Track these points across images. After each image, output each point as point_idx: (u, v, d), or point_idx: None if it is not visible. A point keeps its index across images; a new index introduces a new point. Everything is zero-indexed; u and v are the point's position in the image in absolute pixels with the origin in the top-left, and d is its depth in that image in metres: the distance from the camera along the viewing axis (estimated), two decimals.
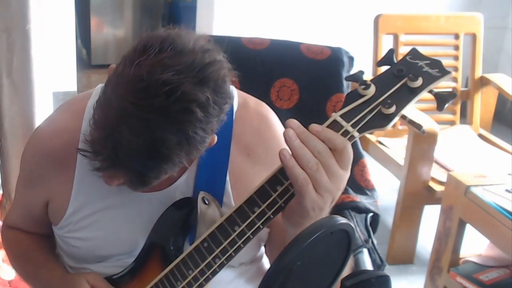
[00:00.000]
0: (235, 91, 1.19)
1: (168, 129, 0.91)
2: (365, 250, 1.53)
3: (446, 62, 3.09)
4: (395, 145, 2.87)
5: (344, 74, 1.70)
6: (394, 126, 2.98)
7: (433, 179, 2.58)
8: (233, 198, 1.18)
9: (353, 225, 1.01)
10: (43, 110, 2.23)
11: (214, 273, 1.05)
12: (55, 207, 1.21)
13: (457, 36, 3.03)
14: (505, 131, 3.63)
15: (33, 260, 1.28)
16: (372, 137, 2.95)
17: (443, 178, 2.45)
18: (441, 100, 0.96)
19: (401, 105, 0.96)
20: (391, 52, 1.00)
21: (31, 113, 2.19)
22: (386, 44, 2.92)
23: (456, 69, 3.05)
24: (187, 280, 1.07)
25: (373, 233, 1.62)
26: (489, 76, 3.07)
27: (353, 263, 1.52)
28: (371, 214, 1.64)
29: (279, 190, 0.99)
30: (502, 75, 3.11)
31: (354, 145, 1.70)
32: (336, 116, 0.98)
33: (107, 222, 1.18)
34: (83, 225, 1.19)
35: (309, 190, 0.95)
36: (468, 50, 3.05)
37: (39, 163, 1.20)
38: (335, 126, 0.98)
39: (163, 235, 1.15)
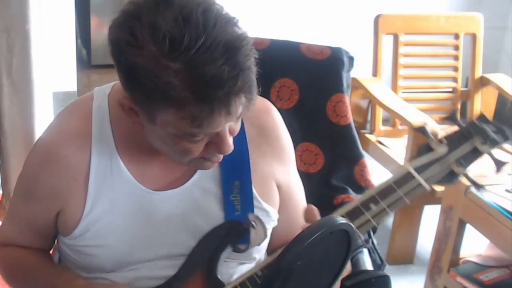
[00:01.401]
0: None
1: (217, 31, 0.95)
2: (365, 250, 1.53)
3: (446, 62, 3.12)
4: (395, 145, 2.87)
5: (344, 74, 1.70)
6: (394, 126, 2.99)
7: None
8: (254, 189, 1.19)
9: (353, 225, 1.01)
10: (43, 110, 2.23)
11: None
12: (68, 216, 1.16)
13: (457, 36, 3.03)
14: None
15: (45, 273, 1.22)
16: (372, 137, 2.95)
17: None
18: (499, 164, 1.12)
19: (468, 164, 1.07)
20: (455, 111, 1.11)
21: (31, 113, 2.19)
22: (386, 44, 2.92)
23: (456, 69, 3.05)
24: None
25: (373, 233, 1.62)
26: (489, 76, 3.07)
27: (350, 265, 1.52)
28: None
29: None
30: (502, 75, 3.11)
31: (354, 145, 1.70)
32: (409, 167, 1.06)
33: (125, 226, 1.15)
34: (100, 232, 1.14)
35: None
36: (468, 50, 3.05)
37: (50, 172, 1.14)
38: (408, 178, 1.06)
39: (207, 256, 1.13)
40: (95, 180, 1.13)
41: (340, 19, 3.62)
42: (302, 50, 1.70)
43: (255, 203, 1.18)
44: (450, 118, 1.12)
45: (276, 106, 1.66)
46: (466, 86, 3.17)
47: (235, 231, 1.13)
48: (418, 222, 2.65)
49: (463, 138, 1.09)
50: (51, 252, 1.31)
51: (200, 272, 1.13)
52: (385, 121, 3.01)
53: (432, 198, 2.54)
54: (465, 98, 3.11)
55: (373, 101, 2.89)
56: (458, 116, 1.14)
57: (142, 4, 0.97)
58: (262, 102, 1.24)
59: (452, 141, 1.08)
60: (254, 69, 0.99)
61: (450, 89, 3.08)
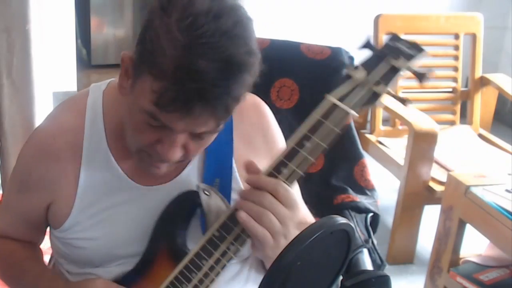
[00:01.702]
0: None
1: (232, 44, 0.96)
2: (365, 250, 1.53)
3: (446, 62, 3.12)
4: (395, 145, 2.87)
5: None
6: (394, 126, 2.99)
7: (433, 179, 2.58)
8: (242, 185, 1.20)
9: (353, 225, 1.01)
10: (43, 110, 2.23)
11: (229, 259, 1.06)
12: (58, 209, 1.18)
13: (457, 36, 3.03)
14: (505, 131, 3.63)
15: (30, 271, 1.25)
16: (372, 137, 2.95)
17: (443, 178, 2.45)
18: (420, 75, 1.14)
19: (387, 82, 1.08)
20: (368, 38, 1.13)
21: (31, 113, 2.19)
22: None
23: (456, 69, 3.05)
24: (202, 271, 1.07)
25: (373, 233, 1.62)
26: (489, 76, 3.07)
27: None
28: (371, 214, 1.64)
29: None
30: (502, 75, 3.11)
31: (354, 145, 1.71)
32: (333, 99, 1.06)
33: (114, 220, 1.17)
34: (90, 224, 1.17)
35: (268, 240, 1.03)
36: (468, 50, 3.05)
37: (41, 164, 1.17)
38: (333, 109, 1.05)
39: (168, 230, 1.15)
40: (85, 173, 1.16)
41: (340, 19, 3.62)
42: (302, 50, 1.70)
43: None
44: (365, 46, 1.12)
45: (276, 106, 1.66)
46: (466, 86, 3.17)
47: (187, 200, 1.15)
48: (418, 222, 2.65)
49: (378, 60, 1.10)
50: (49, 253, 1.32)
51: (165, 248, 1.14)
52: (385, 121, 3.01)
53: (432, 198, 2.55)
54: (465, 98, 3.11)
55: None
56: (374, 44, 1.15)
57: None
58: (252, 99, 1.25)
59: (369, 65, 1.09)
60: (240, 98, 1.02)
61: (450, 89, 3.08)
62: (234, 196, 1.17)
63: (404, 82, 3.00)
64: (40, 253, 1.32)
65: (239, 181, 1.20)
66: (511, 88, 2.97)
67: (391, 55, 1.10)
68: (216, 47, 0.95)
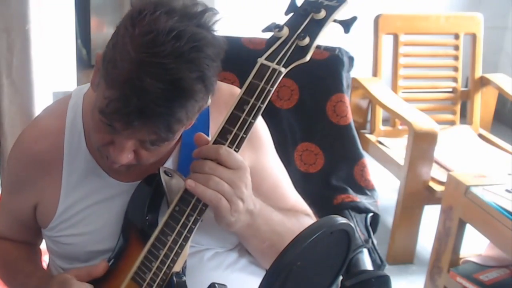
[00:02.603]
0: None
1: (185, 68, 0.98)
2: (365, 250, 1.53)
3: (446, 62, 3.12)
4: (395, 145, 2.87)
5: (344, 74, 1.70)
6: (394, 126, 2.99)
7: (433, 179, 2.58)
8: None
9: (353, 225, 1.01)
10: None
11: (191, 230, 1.08)
12: (44, 209, 1.23)
13: (457, 36, 3.03)
14: (505, 131, 3.63)
15: (22, 270, 1.29)
16: (372, 137, 2.95)
17: (443, 178, 2.45)
18: (345, 24, 1.20)
19: (313, 35, 1.12)
20: (293, 0, 1.17)
21: (31, 113, 2.19)
22: (386, 44, 2.92)
23: (456, 69, 3.05)
24: (167, 246, 1.09)
25: (373, 233, 1.62)
26: (489, 76, 3.07)
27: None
28: (371, 214, 1.64)
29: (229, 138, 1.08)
30: (502, 75, 3.11)
31: (354, 145, 1.70)
32: (261, 60, 1.11)
33: (98, 216, 1.20)
34: (74, 221, 1.21)
35: (223, 203, 1.05)
36: (468, 50, 3.05)
37: (26, 166, 1.22)
38: (263, 69, 1.10)
39: (136, 214, 1.18)
40: (68, 174, 1.20)
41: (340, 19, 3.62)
42: None
43: None
44: (289, 9, 1.16)
45: (276, 106, 1.66)
46: (466, 86, 3.17)
47: (151, 183, 1.17)
48: (418, 222, 2.65)
49: (300, 16, 1.14)
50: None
51: (135, 234, 1.17)
52: (385, 121, 3.01)
53: (432, 198, 2.55)
54: (465, 98, 3.11)
55: (373, 101, 2.90)
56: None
57: (175, 2, 1.02)
58: (229, 89, 1.28)
59: (292, 23, 1.14)
60: (183, 123, 1.04)
61: (450, 89, 3.08)
62: None
63: (404, 82, 3.00)
64: (36, 253, 1.37)
65: None
66: (511, 88, 2.97)
67: (313, 10, 1.13)
68: (167, 68, 0.97)
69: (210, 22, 1.04)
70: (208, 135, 1.21)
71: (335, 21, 1.15)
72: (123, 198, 1.20)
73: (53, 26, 2.55)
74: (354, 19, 1.16)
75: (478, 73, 3.07)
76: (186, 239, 1.09)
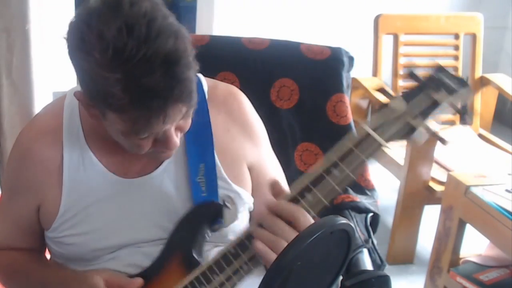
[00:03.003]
0: (202, 77, 1.27)
1: (156, 44, 0.97)
2: (365, 250, 1.53)
3: (446, 62, 3.11)
4: (395, 145, 2.85)
5: (344, 74, 1.70)
6: None
7: (433, 179, 2.58)
8: (224, 172, 1.22)
9: (353, 225, 1.01)
10: None
11: (240, 277, 1.05)
12: (47, 209, 1.22)
13: (457, 36, 3.03)
14: (505, 131, 3.63)
15: (33, 271, 1.26)
16: None
17: (443, 178, 2.44)
18: (461, 112, 1.07)
19: (425, 116, 1.03)
20: (413, 67, 1.06)
21: (31, 113, 2.19)
22: (386, 44, 2.92)
23: (456, 69, 3.05)
24: (211, 285, 1.07)
25: (373, 233, 1.62)
26: (489, 76, 3.07)
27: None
28: (371, 214, 1.64)
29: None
30: (502, 75, 3.11)
31: None
32: (366, 127, 1.03)
33: (101, 214, 1.20)
34: (77, 220, 1.20)
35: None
36: (468, 50, 3.05)
37: (26, 167, 1.21)
38: (367, 138, 1.02)
39: (185, 238, 1.15)
40: (68, 172, 1.19)
41: (340, 19, 3.62)
42: (302, 50, 1.70)
43: (225, 185, 1.22)
44: (409, 76, 1.08)
45: (276, 106, 1.66)
46: None
47: (209, 211, 1.16)
48: (418, 222, 2.65)
49: (419, 91, 1.06)
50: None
51: (179, 256, 1.15)
52: None
53: (432, 198, 2.55)
54: None
55: (373, 101, 2.89)
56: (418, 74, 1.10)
57: (93, 10, 1.00)
58: (226, 88, 1.29)
59: (409, 96, 1.06)
60: (193, 79, 1.03)
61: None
62: (220, 183, 1.20)
63: (404, 82, 3.00)
64: (41, 256, 1.34)
65: (221, 169, 1.22)
66: (511, 88, 2.97)
67: (433, 87, 1.05)
68: (147, 58, 0.96)
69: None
70: (210, 133, 1.22)
71: (450, 104, 1.06)
72: (126, 195, 1.20)
73: (53, 26, 2.55)
74: (470, 114, 1.08)
75: (478, 73, 3.07)
76: (232, 285, 1.06)
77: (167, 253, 1.17)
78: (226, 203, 1.13)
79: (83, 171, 1.20)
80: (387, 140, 1.03)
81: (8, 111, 2.18)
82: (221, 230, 1.15)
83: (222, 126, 1.24)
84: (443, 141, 1.05)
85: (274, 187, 1.08)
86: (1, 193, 1.30)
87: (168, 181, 1.21)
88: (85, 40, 0.99)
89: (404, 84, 2.99)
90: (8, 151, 2.27)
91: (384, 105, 1.05)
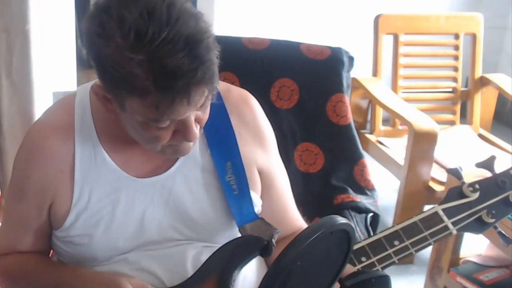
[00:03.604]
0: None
1: (180, 26, 0.98)
2: None
3: (446, 62, 3.12)
4: (395, 145, 2.87)
5: (344, 74, 1.70)
6: (394, 126, 2.99)
7: (433, 179, 2.58)
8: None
9: (353, 225, 1.01)
10: (43, 110, 2.22)
11: None
12: (58, 209, 1.19)
13: (457, 36, 3.03)
14: (505, 131, 3.63)
15: (46, 272, 1.23)
16: (372, 137, 2.95)
17: (443, 178, 2.44)
18: None
19: (499, 216, 1.04)
20: (493, 159, 1.10)
21: (31, 113, 2.18)
22: (386, 44, 2.92)
23: (456, 69, 3.05)
24: None
25: (373, 233, 1.62)
26: (489, 76, 3.07)
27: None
28: (371, 214, 1.64)
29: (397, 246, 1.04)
30: (502, 75, 3.11)
31: (354, 145, 1.71)
32: (438, 208, 1.04)
33: (113, 213, 1.18)
34: (89, 220, 1.18)
35: None
36: (468, 50, 3.05)
37: (38, 166, 1.18)
38: (435, 218, 1.04)
39: (225, 265, 1.14)
40: (80, 170, 1.18)
41: (340, 19, 3.62)
42: (302, 50, 1.70)
43: None
44: (485, 164, 1.10)
45: (276, 106, 1.67)
46: (466, 86, 3.17)
47: (256, 248, 1.14)
48: None
49: (496, 187, 1.07)
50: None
51: (214, 281, 1.13)
52: (385, 121, 3.01)
53: (432, 198, 2.54)
54: (465, 98, 3.11)
55: (373, 101, 2.89)
56: (494, 162, 1.12)
57: None
58: (239, 93, 1.28)
59: (485, 188, 1.07)
60: (215, 61, 1.03)
61: (450, 89, 3.08)
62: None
63: (404, 82, 3.00)
64: (50, 258, 1.31)
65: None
66: (511, 88, 2.97)
67: (511, 189, 1.05)
68: (169, 40, 0.97)
69: None
70: (232, 131, 1.22)
71: None
72: (138, 195, 1.19)
73: (53, 26, 2.55)
74: None
75: (478, 73, 3.07)
76: None
77: (203, 273, 1.15)
78: (273, 241, 1.11)
79: (95, 168, 1.18)
80: (454, 225, 1.04)
81: (8, 111, 2.18)
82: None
83: (235, 129, 1.24)
84: (508, 241, 1.07)
85: None
86: (7, 196, 1.26)
87: (182, 182, 1.20)
88: (105, 27, 1.00)
89: (403, 84, 2.99)
90: (8, 151, 2.27)
91: (460, 191, 1.06)
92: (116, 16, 0.99)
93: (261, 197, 1.27)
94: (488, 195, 1.07)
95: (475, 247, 2.39)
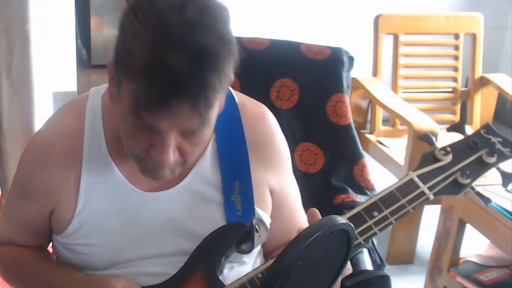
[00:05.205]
0: (233, 91, 1.22)
1: (201, 33, 0.95)
2: (365, 250, 1.53)
3: (446, 62, 3.12)
4: (395, 145, 2.87)
5: (344, 74, 1.70)
6: (394, 126, 2.99)
7: None
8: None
9: (353, 225, 1.01)
10: (43, 110, 2.23)
11: None
12: (60, 215, 1.17)
13: (457, 36, 3.03)
14: (505, 131, 3.62)
15: (43, 270, 1.22)
16: (372, 137, 2.95)
17: None
18: (507, 178, 1.09)
19: (474, 176, 1.05)
20: (463, 122, 1.10)
21: (31, 113, 2.19)
22: (386, 44, 2.92)
23: (456, 69, 3.05)
24: None
25: None
26: (489, 76, 3.07)
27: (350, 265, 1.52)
28: None
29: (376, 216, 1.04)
30: (502, 75, 3.11)
31: (354, 145, 1.70)
32: (413, 175, 1.05)
33: (116, 226, 1.16)
34: (92, 230, 1.16)
35: None
36: (468, 50, 3.05)
37: (42, 170, 1.16)
38: (411, 184, 1.05)
39: (211, 255, 1.13)
40: (86, 179, 1.15)
41: (340, 19, 3.62)
42: (302, 50, 1.70)
43: None
44: (455, 127, 1.11)
45: (276, 106, 1.66)
46: (466, 86, 3.17)
47: (238, 233, 1.13)
48: (418, 222, 2.65)
49: (468, 148, 1.08)
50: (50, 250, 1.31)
51: (202, 272, 1.12)
52: (385, 121, 3.01)
53: None
54: (465, 98, 3.11)
55: (373, 101, 2.90)
56: (464, 125, 1.13)
57: None
58: (256, 108, 1.24)
59: (457, 150, 1.07)
60: (218, 90, 0.98)
61: (450, 89, 3.08)
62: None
63: (404, 82, 3.00)
64: (48, 254, 1.30)
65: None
66: (511, 88, 2.97)
67: (485, 149, 1.06)
68: (183, 39, 0.94)
69: None
70: (245, 149, 1.18)
71: (498, 168, 1.09)
72: (144, 209, 1.15)
73: (53, 26, 2.55)
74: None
75: (478, 73, 3.07)
76: None
77: (190, 266, 1.14)
78: (257, 227, 1.09)
79: (101, 179, 1.15)
80: (431, 190, 1.06)
81: (8, 111, 2.18)
82: (249, 252, 1.12)
83: (249, 147, 1.20)
84: (486, 201, 1.09)
85: (312, 218, 1.06)
86: (10, 191, 1.25)
87: (191, 199, 1.16)
88: (139, 4, 0.98)
89: (403, 84, 2.99)
90: (8, 151, 2.27)
91: (433, 156, 1.06)
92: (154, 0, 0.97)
93: (271, 215, 1.23)
94: (461, 157, 1.07)
95: (475, 247, 2.39)
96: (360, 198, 1.66)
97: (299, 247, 0.93)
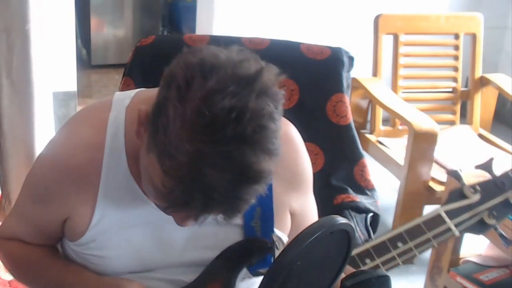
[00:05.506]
0: None
1: (250, 152, 0.88)
2: None
3: (446, 62, 3.12)
4: (395, 145, 2.87)
5: (344, 74, 1.70)
6: (394, 126, 2.99)
7: (433, 179, 2.58)
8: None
9: (353, 225, 1.01)
10: (43, 110, 2.23)
11: None
12: (75, 225, 1.14)
13: (457, 36, 3.03)
14: (505, 131, 3.63)
15: (53, 267, 1.21)
16: (372, 137, 2.95)
17: (443, 178, 2.44)
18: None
19: (500, 218, 1.06)
20: (491, 161, 1.11)
21: (31, 113, 2.19)
22: (386, 44, 2.92)
23: (456, 69, 3.05)
24: None
25: (373, 233, 1.62)
26: (489, 76, 3.07)
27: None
28: (371, 214, 1.64)
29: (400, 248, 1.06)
30: (502, 75, 3.11)
31: (354, 145, 1.70)
32: (440, 210, 1.06)
33: (133, 240, 1.14)
34: (106, 243, 1.14)
35: None
36: (468, 50, 3.05)
37: (59, 180, 1.12)
38: (438, 219, 1.06)
39: (229, 267, 1.12)
40: (104, 192, 1.12)
41: (340, 19, 3.62)
42: (302, 50, 1.70)
43: None
44: (484, 167, 1.12)
45: None
46: (466, 86, 3.17)
47: (258, 248, 1.13)
48: None
49: (496, 188, 1.09)
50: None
51: (220, 282, 1.12)
52: (385, 121, 3.01)
53: (432, 198, 2.55)
54: (465, 98, 3.11)
55: (373, 101, 2.90)
56: (492, 164, 1.14)
57: (223, 62, 0.90)
58: (284, 129, 1.14)
59: (485, 190, 1.09)
60: (250, 203, 0.94)
61: (450, 89, 3.09)
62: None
63: (404, 82, 3.00)
64: (57, 251, 1.27)
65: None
66: (511, 88, 2.97)
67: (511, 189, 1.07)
68: (231, 156, 0.87)
69: (270, 81, 0.93)
70: None
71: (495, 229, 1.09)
72: (160, 225, 1.13)
73: (53, 26, 2.55)
74: None
75: (478, 73, 3.07)
76: None
77: (205, 277, 1.13)
78: (277, 244, 1.09)
79: (120, 193, 1.12)
80: (457, 227, 1.06)
81: (8, 111, 2.19)
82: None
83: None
84: (508, 242, 1.10)
85: None
86: (23, 194, 1.21)
87: (209, 220, 1.10)
88: (189, 86, 0.87)
89: (403, 84, 2.99)
90: (8, 151, 2.28)
91: (461, 193, 1.08)
92: (210, 88, 0.86)
93: (289, 235, 1.22)
94: (489, 197, 1.08)
95: (475, 247, 2.39)
96: (360, 198, 1.66)
97: (299, 247, 0.93)
